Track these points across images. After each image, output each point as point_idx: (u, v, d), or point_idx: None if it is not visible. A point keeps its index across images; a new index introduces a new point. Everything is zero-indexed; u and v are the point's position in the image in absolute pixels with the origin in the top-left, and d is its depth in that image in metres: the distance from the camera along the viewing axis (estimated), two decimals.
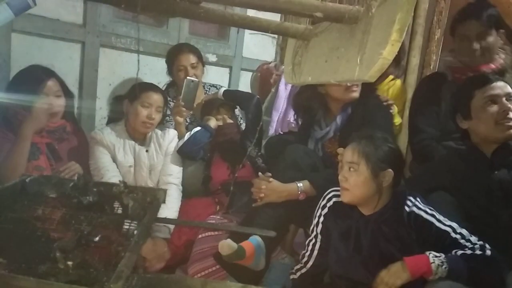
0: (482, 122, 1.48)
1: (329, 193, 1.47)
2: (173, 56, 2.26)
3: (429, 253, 1.21)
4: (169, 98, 2.24)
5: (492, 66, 1.78)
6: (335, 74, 0.91)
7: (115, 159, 1.93)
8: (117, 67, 2.34)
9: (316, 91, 1.83)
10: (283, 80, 2.47)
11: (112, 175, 1.87)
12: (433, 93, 1.92)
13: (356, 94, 1.75)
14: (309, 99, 1.87)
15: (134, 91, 1.95)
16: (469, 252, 1.22)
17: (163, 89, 2.31)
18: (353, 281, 1.39)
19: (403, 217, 1.31)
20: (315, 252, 1.48)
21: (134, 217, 1.24)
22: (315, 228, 1.48)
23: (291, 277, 1.54)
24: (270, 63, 2.83)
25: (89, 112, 2.26)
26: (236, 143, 2.11)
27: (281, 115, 2.32)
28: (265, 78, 2.75)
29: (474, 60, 1.79)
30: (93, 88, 2.26)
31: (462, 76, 1.83)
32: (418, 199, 1.34)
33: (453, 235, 1.26)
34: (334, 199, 1.44)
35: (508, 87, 1.47)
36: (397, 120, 2.10)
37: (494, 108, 1.45)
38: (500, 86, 1.47)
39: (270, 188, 1.65)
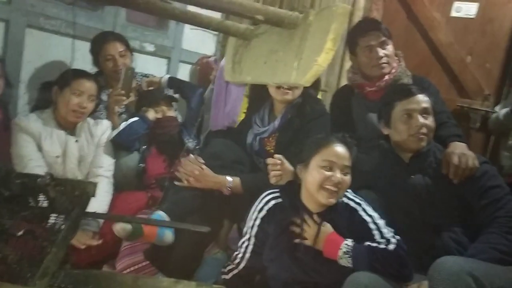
0: (397, 132, 1.59)
1: (266, 195, 1.49)
2: (98, 45, 2.17)
3: (346, 240, 1.32)
4: None
5: (387, 77, 1.87)
6: (273, 76, 0.94)
7: (41, 148, 1.83)
8: (44, 50, 2.19)
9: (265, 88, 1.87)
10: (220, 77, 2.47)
11: (36, 165, 1.77)
12: (345, 106, 2.02)
13: (288, 97, 1.79)
14: (260, 91, 1.91)
15: (64, 78, 1.86)
16: (374, 244, 1.33)
17: None
18: (288, 281, 1.43)
19: (337, 208, 1.40)
20: (248, 255, 1.49)
21: (61, 211, 1.18)
22: (249, 231, 1.49)
23: (223, 277, 1.54)
24: (210, 57, 2.82)
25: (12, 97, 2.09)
26: (175, 137, 2.10)
27: (220, 112, 2.32)
28: (204, 71, 2.73)
29: (380, 69, 1.87)
30: (17, 71, 2.10)
31: (363, 91, 1.95)
32: (349, 190, 1.43)
33: (371, 225, 1.37)
34: (273, 202, 1.46)
35: (426, 101, 1.57)
36: None
37: (409, 122, 1.56)
38: (418, 101, 1.57)
39: (202, 174, 1.66)
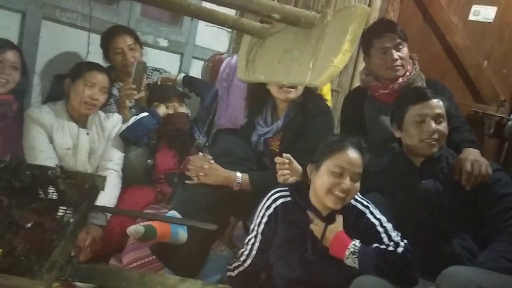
0: (409, 136, 1.58)
1: (274, 193, 1.47)
2: (108, 39, 2.16)
3: (354, 241, 1.31)
4: None
5: (400, 80, 1.85)
6: (287, 75, 0.93)
7: (52, 140, 1.84)
8: (60, 43, 2.20)
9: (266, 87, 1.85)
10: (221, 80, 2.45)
11: (47, 157, 1.77)
12: (357, 108, 2.01)
13: (291, 96, 1.77)
14: (260, 93, 1.89)
15: (77, 69, 1.87)
16: (382, 247, 1.32)
17: None
18: (294, 281, 1.42)
19: (344, 209, 1.39)
20: (254, 252, 1.48)
21: (70, 204, 1.19)
22: (256, 228, 1.48)
23: (228, 273, 1.53)
24: (223, 54, 2.80)
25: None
26: (185, 133, 2.10)
27: (222, 115, 2.31)
28: (216, 68, 2.72)
29: (393, 71, 1.85)
30: (32, 63, 2.11)
31: (376, 93, 1.93)
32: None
33: (378, 228, 1.36)
34: (281, 200, 1.45)
35: (440, 106, 1.55)
36: None
37: (421, 127, 1.54)
38: (432, 106, 1.54)
39: (212, 169, 1.66)
